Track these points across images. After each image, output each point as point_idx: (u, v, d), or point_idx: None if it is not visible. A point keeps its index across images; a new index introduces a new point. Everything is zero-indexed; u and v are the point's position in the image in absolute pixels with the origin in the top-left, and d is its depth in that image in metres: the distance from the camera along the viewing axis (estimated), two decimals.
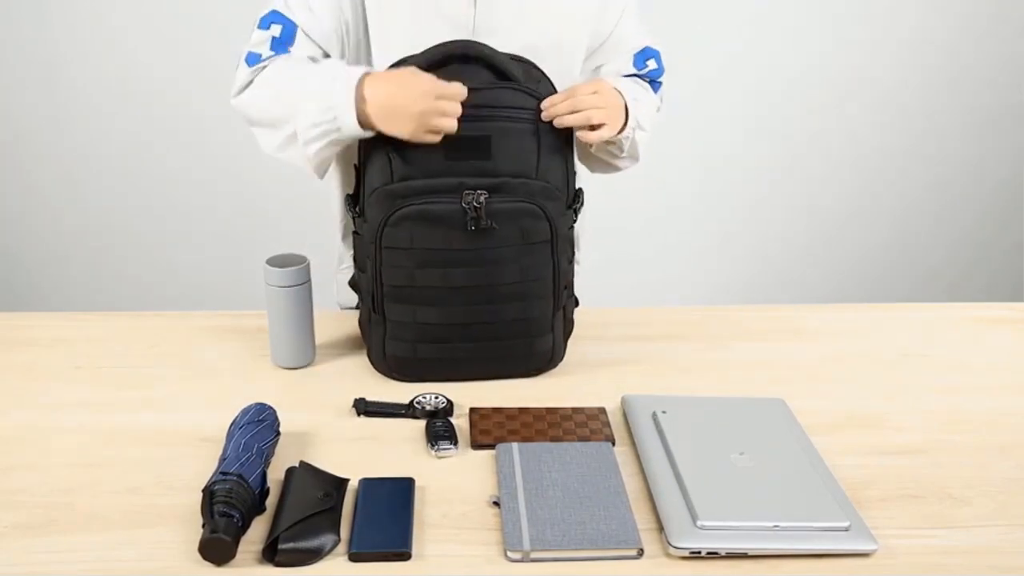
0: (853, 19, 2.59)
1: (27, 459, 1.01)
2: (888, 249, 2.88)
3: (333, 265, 1.44)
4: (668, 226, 2.74)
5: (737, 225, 2.81)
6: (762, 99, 2.66)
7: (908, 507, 0.97)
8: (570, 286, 1.22)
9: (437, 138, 1.09)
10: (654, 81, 1.36)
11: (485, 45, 1.14)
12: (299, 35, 1.19)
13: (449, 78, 1.09)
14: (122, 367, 1.22)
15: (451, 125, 1.08)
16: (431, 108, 1.07)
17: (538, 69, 1.17)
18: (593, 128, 1.16)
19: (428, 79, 1.09)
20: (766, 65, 2.62)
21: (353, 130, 1.10)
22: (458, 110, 1.08)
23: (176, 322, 1.35)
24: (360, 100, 1.09)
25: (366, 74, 1.11)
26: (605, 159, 1.31)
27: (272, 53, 1.19)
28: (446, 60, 1.13)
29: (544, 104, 1.13)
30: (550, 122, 1.13)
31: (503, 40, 1.17)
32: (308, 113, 1.12)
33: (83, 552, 0.87)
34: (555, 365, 1.22)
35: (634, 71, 1.33)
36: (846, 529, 0.90)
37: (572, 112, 1.13)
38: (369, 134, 1.11)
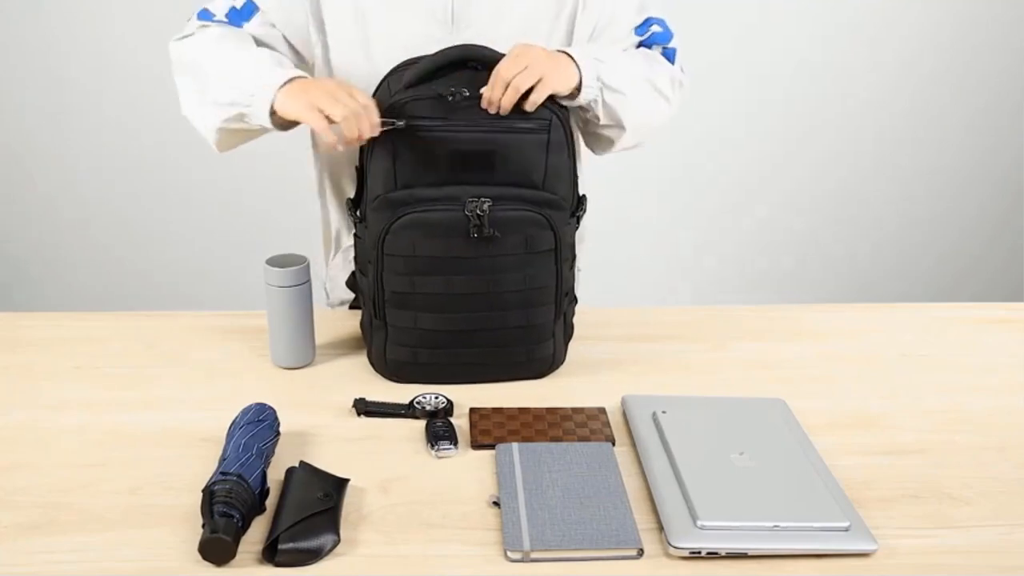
0: (852, 20, 2.59)
1: (27, 459, 1.01)
2: (889, 249, 2.88)
3: (320, 256, 1.43)
4: (669, 227, 2.75)
5: (737, 226, 2.81)
6: (762, 100, 2.66)
7: (908, 507, 0.97)
8: (571, 292, 1.22)
9: (320, 119, 1.06)
10: (666, 48, 1.28)
11: (487, 48, 1.14)
12: (257, 17, 1.22)
13: (460, 85, 1.08)
14: (122, 367, 1.22)
15: (334, 111, 1.05)
16: (326, 92, 1.07)
17: None
18: (530, 92, 1.09)
19: (347, 84, 1.10)
20: (766, 66, 2.62)
21: (262, 103, 1.10)
22: (349, 105, 1.05)
23: (176, 322, 1.35)
24: (281, 88, 1.10)
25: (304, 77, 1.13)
26: (590, 131, 1.26)
27: (224, 20, 1.22)
28: (449, 65, 1.12)
29: (483, 102, 1.09)
30: (561, 132, 1.12)
31: (480, 32, 1.17)
32: (231, 83, 1.14)
33: (83, 552, 0.87)
34: (555, 369, 1.22)
35: (637, 39, 1.28)
36: (846, 529, 0.90)
37: (502, 90, 1.07)
38: (268, 128, 1.13)
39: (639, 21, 1.29)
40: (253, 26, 1.22)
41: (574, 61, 1.13)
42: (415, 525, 0.92)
